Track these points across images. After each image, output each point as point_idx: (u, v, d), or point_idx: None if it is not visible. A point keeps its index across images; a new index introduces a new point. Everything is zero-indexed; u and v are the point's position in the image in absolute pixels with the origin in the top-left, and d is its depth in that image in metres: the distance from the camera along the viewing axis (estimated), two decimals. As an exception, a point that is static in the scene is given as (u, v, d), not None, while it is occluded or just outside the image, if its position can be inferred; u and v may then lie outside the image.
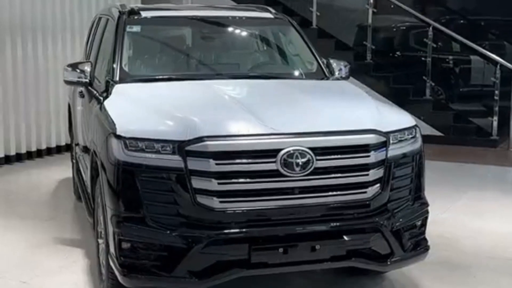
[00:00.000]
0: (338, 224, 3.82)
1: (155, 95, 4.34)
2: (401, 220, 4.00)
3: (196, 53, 5.39)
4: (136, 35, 5.12)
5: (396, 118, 4.21)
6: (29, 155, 8.61)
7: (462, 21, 13.45)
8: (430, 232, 5.48)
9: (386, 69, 10.89)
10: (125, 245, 3.71)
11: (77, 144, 6.06)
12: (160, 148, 3.67)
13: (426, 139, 9.24)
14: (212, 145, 3.63)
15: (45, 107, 8.71)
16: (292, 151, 3.68)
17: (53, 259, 4.98)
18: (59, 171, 7.82)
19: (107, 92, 4.52)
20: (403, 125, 4.14)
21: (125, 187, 3.70)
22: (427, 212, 4.23)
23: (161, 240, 3.66)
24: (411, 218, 4.09)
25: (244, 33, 5.63)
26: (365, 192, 3.85)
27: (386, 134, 3.95)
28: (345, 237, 3.80)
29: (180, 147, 3.64)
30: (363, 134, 3.87)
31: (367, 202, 3.86)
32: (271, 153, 3.67)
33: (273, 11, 5.66)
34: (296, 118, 3.92)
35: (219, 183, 3.62)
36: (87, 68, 4.91)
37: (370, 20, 10.61)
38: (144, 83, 4.65)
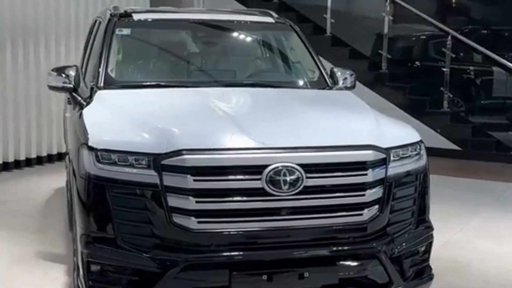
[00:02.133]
0: (330, 249, 3.48)
1: (138, 103, 4.04)
2: (401, 245, 3.66)
3: (189, 58, 5.08)
4: (126, 38, 4.84)
5: (399, 133, 3.86)
6: (28, 162, 8.34)
7: (485, 31, 13.03)
8: (439, 254, 5.11)
9: (402, 80, 10.53)
10: (94, 268, 3.41)
11: (67, 153, 5.77)
12: (133, 162, 3.37)
13: (442, 153, 9.19)
14: (190, 159, 3.30)
15: (46, 113, 8.43)
16: (279, 168, 3.34)
17: (33, 274, 4.66)
18: (58, 179, 7.52)
19: (90, 98, 4.22)
20: (406, 140, 3.79)
21: (95, 204, 3.41)
22: (431, 236, 3.88)
23: (132, 263, 3.36)
24: (414, 243, 3.75)
25: (242, 38, 5.32)
26: (361, 214, 3.50)
27: (386, 150, 3.60)
28: (338, 264, 3.46)
29: (156, 161, 3.33)
30: (359, 150, 3.53)
31: (364, 225, 3.51)
32: (256, 170, 3.34)
33: (275, 15, 5.33)
34: (286, 131, 3.58)
35: (197, 202, 3.30)
36: (72, 72, 4.62)
37: (386, 29, 10.25)
38: (130, 89, 4.35)
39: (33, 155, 8.38)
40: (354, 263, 3.51)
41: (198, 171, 3.30)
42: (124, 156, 3.37)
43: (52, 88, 4.71)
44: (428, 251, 3.87)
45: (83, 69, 5.27)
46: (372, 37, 10.86)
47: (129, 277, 3.37)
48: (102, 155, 3.39)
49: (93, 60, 4.89)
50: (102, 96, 4.15)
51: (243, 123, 3.57)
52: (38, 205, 6.63)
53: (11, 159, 8.07)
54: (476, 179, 8.21)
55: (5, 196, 7.12)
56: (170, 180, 3.30)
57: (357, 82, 9.24)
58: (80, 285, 3.55)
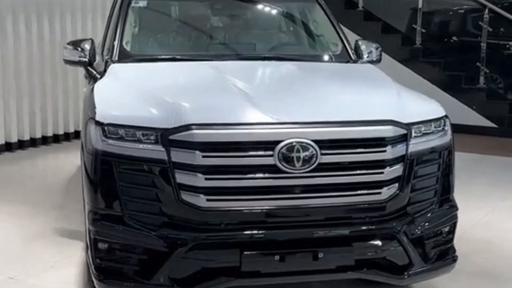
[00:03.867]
0: (346, 229, 3.33)
1: (150, 77, 3.93)
2: (423, 225, 3.49)
3: (208, 31, 4.95)
4: (142, 10, 4.75)
5: (421, 108, 3.66)
6: (56, 139, 8.31)
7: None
8: (470, 236, 4.92)
9: (437, 55, 10.20)
10: (101, 246, 3.32)
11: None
12: (141, 137, 3.25)
13: (478, 130, 8.89)
14: (199, 135, 3.16)
15: (73, 89, 8.36)
16: (292, 144, 3.18)
17: (49, 252, 4.61)
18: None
19: (104, 72, 4.13)
20: (429, 115, 3.59)
21: (103, 180, 3.31)
22: (456, 217, 3.69)
23: (140, 242, 3.26)
24: (436, 223, 3.57)
25: (262, 10, 5.16)
26: (379, 193, 3.33)
27: (407, 125, 3.41)
28: (354, 245, 3.30)
29: (163, 136, 3.20)
30: (378, 125, 3.35)
31: (382, 204, 3.34)
32: (268, 145, 3.19)
33: (297, -15, 5.14)
34: (301, 106, 3.41)
35: (206, 179, 3.17)
36: (87, 46, 4.51)
37: (421, 2, 9.90)
38: (144, 63, 4.24)
39: (61, 132, 8.35)
40: (371, 244, 3.36)
41: (207, 146, 3.16)
42: (132, 131, 3.25)
43: (68, 62, 4.62)
44: (452, 231, 3.68)
45: (103, 43, 5.17)
46: (405, 11, 10.52)
47: (137, 256, 3.26)
48: (109, 129, 3.28)
49: (110, 33, 4.79)
50: (115, 70, 4.05)
51: (256, 97, 3.42)
52: (62, 182, 6.59)
53: (38, 135, 8.06)
54: (513, 158, 7.93)
55: (33, 171, 7.13)
56: (178, 156, 3.17)
57: (390, 58, 9.17)
58: (88, 262, 3.47)
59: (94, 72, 4.43)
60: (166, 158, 3.18)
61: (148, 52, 4.56)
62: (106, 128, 3.28)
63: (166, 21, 4.99)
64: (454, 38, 11.03)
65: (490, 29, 9.54)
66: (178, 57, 4.35)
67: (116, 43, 4.36)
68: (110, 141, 3.26)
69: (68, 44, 4.61)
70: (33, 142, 8.02)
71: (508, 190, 6.44)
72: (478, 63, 9.49)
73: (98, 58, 4.67)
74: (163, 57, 4.38)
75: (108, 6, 8.26)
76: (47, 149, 8.08)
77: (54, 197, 6.02)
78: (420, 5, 9.91)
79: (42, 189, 6.29)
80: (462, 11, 11.13)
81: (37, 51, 7.84)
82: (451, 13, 11.43)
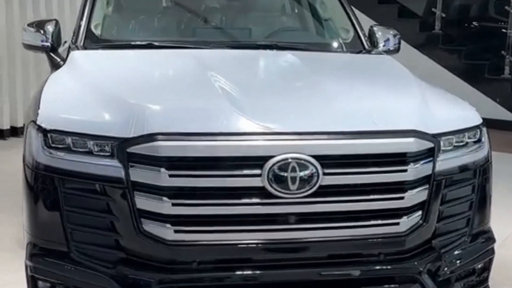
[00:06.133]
0: (354, 269, 2.69)
1: (115, 69, 3.27)
2: (452, 264, 2.85)
3: (194, 12, 4.27)
4: None
5: (452, 114, 2.99)
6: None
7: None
8: (500, 260, 4.18)
9: (457, 41, 9.65)
10: (42, 286, 2.70)
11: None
12: (93, 148, 2.59)
13: (503, 125, 8.25)
14: (166, 147, 2.50)
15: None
16: (287, 160, 2.51)
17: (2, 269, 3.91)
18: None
19: (65, 61, 3.49)
20: (462, 124, 2.93)
21: (44, 203, 2.66)
22: (492, 251, 3.03)
23: (90, 284, 2.63)
24: (469, 261, 2.93)
25: (261, -10, 4.47)
26: (397, 224, 2.68)
27: (435, 137, 2.75)
28: None
29: (120, 148, 2.54)
30: (397, 137, 2.67)
31: (401, 238, 2.70)
32: (255, 162, 2.53)
33: (301, -39, 4.46)
34: (299, 111, 2.71)
35: (174, 204, 2.52)
36: (50, 28, 3.84)
37: (441, -16, 9.33)
38: (113, 50, 3.58)
39: (6, 127, 7.59)
40: (387, 289, 2.71)
41: (176, 163, 2.50)
42: (81, 140, 2.60)
43: (28, 47, 3.97)
44: (487, 268, 3.04)
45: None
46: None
47: (85, 302, 2.63)
48: (53, 137, 2.63)
49: (78, 13, 4.12)
50: (76, 58, 3.38)
51: (242, 99, 2.74)
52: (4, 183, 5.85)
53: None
54: (543, 158, 7.24)
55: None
56: (139, 174, 2.52)
57: (407, 45, 8.53)
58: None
59: (58, 60, 3.78)
60: (123, 176, 2.53)
61: (121, 37, 3.91)
62: (49, 135, 2.63)
63: (147, 0, 4.30)
64: (477, 23, 10.37)
65: (517, 14, 8.89)
66: (156, 43, 3.67)
67: (82, 25, 3.73)
68: (54, 153, 2.61)
69: (28, 25, 3.94)
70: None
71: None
72: (503, 51, 8.89)
73: (67, 43, 4.01)
74: (138, 43, 3.73)
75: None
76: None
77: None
78: (440, -13, 9.31)
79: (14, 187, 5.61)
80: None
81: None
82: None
